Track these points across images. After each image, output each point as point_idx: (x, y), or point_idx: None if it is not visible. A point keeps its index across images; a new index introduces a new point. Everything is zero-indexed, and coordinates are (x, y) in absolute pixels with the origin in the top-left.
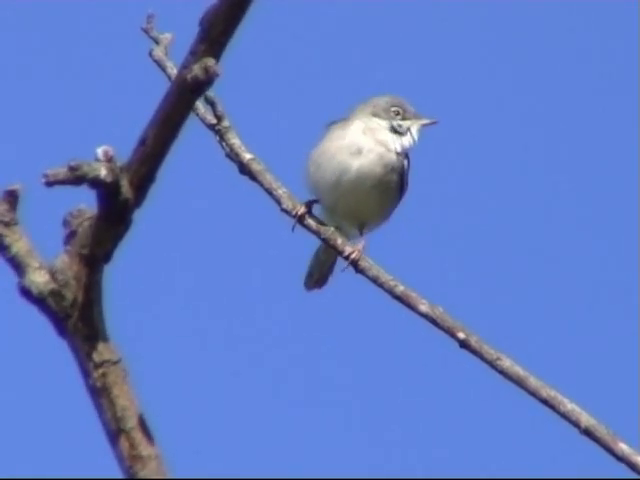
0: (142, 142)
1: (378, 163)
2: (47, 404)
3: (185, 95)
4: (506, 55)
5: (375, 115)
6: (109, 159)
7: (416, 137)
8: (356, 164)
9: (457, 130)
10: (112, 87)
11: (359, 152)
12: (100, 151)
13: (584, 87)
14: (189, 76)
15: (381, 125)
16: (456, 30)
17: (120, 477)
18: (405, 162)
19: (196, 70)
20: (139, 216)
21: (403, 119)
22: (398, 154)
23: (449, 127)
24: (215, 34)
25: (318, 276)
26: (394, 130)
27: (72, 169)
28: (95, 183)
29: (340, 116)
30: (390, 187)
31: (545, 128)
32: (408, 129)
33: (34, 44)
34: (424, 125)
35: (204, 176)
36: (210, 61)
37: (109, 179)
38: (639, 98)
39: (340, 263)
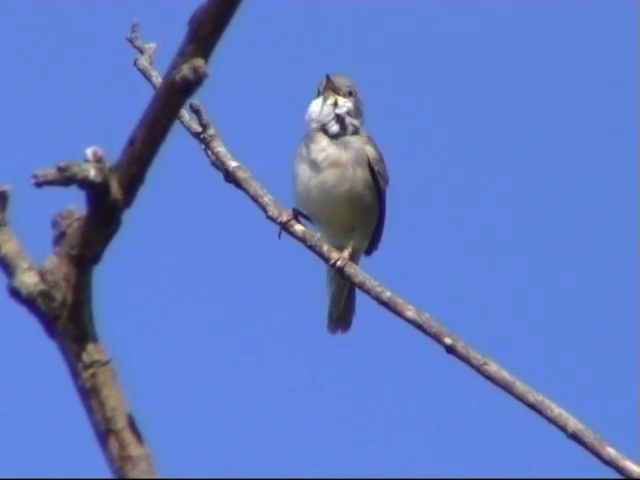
0: (131, 143)
1: (333, 170)
2: (36, 405)
3: (174, 96)
4: (505, 55)
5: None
6: (98, 160)
7: (321, 112)
8: (315, 177)
9: (448, 133)
10: (100, 89)
11: (311, 160)
12: (89, 152)
13: (583, 87)
14: (178, 76)
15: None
16: (455, 30)
17: (110, 478)
18: (370, 153)
19: (185, 70)
20: (128, 217)
21: (316, 97)
22: (346, 146)
23: (439, 129)
24: (204, 34)
25: (338, 315)
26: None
27: (61, 170)
28: (84, 184)
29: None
30: (357, 184)
31: (542, 130)
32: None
33: (23, 48)
34: (326, 95)
35: (190, 184)
36: (199, 61)
37: (98, 179)
38: (639, 98)
39: (360, 298)
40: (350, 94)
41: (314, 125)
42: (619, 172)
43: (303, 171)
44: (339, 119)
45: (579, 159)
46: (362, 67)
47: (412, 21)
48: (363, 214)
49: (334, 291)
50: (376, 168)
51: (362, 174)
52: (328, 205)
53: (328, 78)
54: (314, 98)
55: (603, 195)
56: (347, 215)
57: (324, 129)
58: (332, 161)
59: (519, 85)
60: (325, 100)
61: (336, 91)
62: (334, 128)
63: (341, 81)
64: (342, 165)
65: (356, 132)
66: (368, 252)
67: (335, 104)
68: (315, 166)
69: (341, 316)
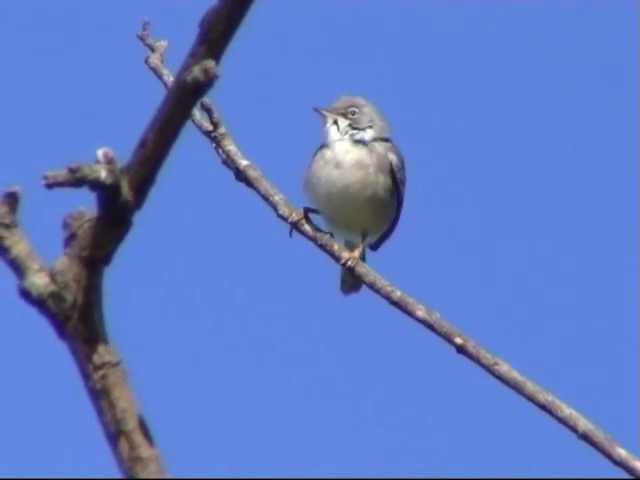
0: (142, 144)
1: (357, 173)
2: (47, 406)
3: (185, 97)
4: (505, 55)
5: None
6: (109, 161)
7: (333, 130)
8: (338, 179)
9: (455, 135)
10: (111, 88)
11: (339, 166)
12: (100, 153)
13: (584, 87)
14: (189, 78)
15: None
16: (454, 30)
17: (120, 478)
18: (392, 160)
19: (196, 72)
20: (139, 219)
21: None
22: (372, 151)
23: (446, 131)
24: (215, 35)
25: (352, 280)
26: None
27: (72, 171)
28: (95, 185)
29: None
30: (379, 189)
31: (541, 132)
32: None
33: (35, 49)
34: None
35: (200, 183)
36: (210, 63)
37: (109, 181)
38: (639, 98)
39: (366, 294)
40: (353, 113)
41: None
42: (621, 171)
43: (326, 173)
44: (344, 134)
45: (584, 159)
46: (370, 66)
47: (416, 22)
48: (380, 218)
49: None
50: (398, 176)
51: (384, 180)
52: (348, 208)
53: (318, 112)
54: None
55: (609, 196)
56: (364, 218)
57: (340, 140)
58: (357, 161)
59: (519, 85)
60: (326, 122)
61: (335, 112)
62: (354, 138)
63: (339, 105)
64: (365, 167)
65: (375, 140)
66: (374, 247)
67: (335, 123)
68: (340, 167)
69: (355, 282)
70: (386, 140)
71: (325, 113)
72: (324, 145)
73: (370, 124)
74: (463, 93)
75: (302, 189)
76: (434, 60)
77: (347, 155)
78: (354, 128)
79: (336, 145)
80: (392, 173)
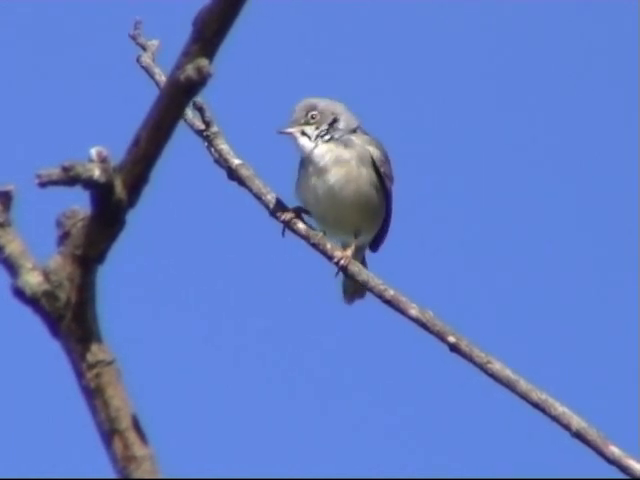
0: (135, 143)
1: (339, 170)
2: (40, 405)
3: (178, 95)
4: (505, 55)
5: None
6: (103, 160)
7: (304, 141)
8: (322, 183)
9: (446, 133)
10: (103, 87)
11: (321, 172)
12: (94, 152)
13: (583, 87)
14: (182, 76)
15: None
16: (454, 30)
17: (114, 478)
18: (373, 153)
19: (189, 70)
20: (132, 217)
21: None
22: (356, 149)
23: (440, 129)
24: (208, 34)
25: (353, 290)
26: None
27: (65, 169)
28: (89, 184)
29: None
30: (365, 189)
31: (537, 131)
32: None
33: (27, 48)
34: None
35: (192, 181)
36: (203, 61)
37: (103, 180)
38: (639, 98)
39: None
40: (312, 117)
41: (306, 154)
42: (619, 172)
43: (308, 175)
44: (317, 138)
45: (581, 159)
46: (363, 65)
47: (412, 21)
48: (370, 215)
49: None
50: (382, 169)
51: (367, 174)
52: (335, 207)
53: (281, 133)
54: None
55: (605, 195)
56: (354, 216)
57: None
58: (336, 156)
59: (518, 85)
60: (296, 138)
61: (298, 125)
62: (325, 140)
63: (297, 115)
64: (346, 161)
65: (352, 133)
66: (373, 248)
67: (304, 134)
68: (321, 170)
69: (357, 290)
70: (356, 130)
71: (289, 130)
72: (304, 157)
73: (333, 118)
74: (461, 91)
75: (295, 191)
76: (429, 57)
77: (325, 157)
78: (321, 130)
79: (314, 152)
80: (375, 166)
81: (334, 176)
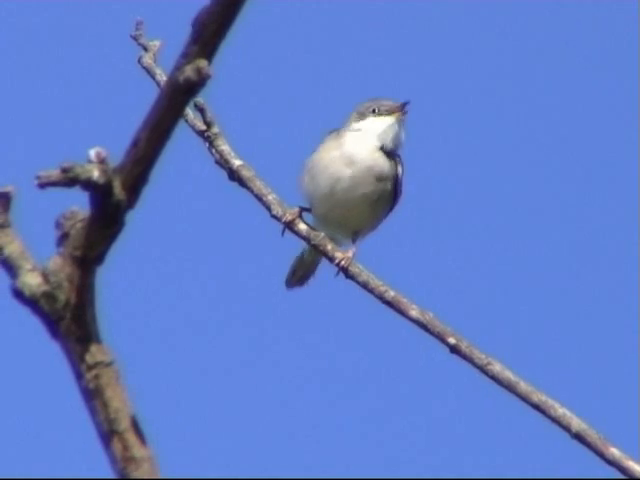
0: (134, 144)
1: (370, 173)
2: (40, 406)
3: (177, 96)
4: (505, 55)
5: (360, 120)
6: (102, 161)
7: (390, 131)
8: (349, 175)
9: (449, 132)
10: (104, 87)
11: (352, 163)
12: (93, 153)
13: (584, 87)
14: (181, 77)
15: (364, 129)
16: (452, 30)
17: (113, 479)
18: (399, 168)
19: (188, 71)
20: (131, 218)
21: (378, 115)
22: (390, 161)
23: (440, 128)
24: (207, 35)
25: (301, 274)
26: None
27: (64, 171)
28: (88, 185)
29: (334, 123)
30: (383, 196)
31: (534, 130)
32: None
33: (27, 49)
34: (398, 117)
35: (193, 182)
36: (202, 62)
37: (102, 181)
38: (639, 98)
39: (359, 294)
40: (406, 112)
41: (376, 143)
42: (620, 171)
43: (336, 169)
44: (397, 139)
45: (580, 158)
46: (361, 70)
47: (411, 21)
48: (374, 222)
49: (309, 256)
50: (400, 188)
51: (390, 189)
52: (347, 208)
53: (404, 104)
54: (372, 115)
55: (605, 195)
56: (360, 222)
57: (378, 143)
58: (371, 165)
59: (517, 84)
60: (398, 121)
61: (403, 113)
62: (391, 145)
63: (394, 102)
64: (379, 174)
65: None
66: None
67: (401, 123)
68: (351, 166)
69: (303, 276)
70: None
71: (398, 114)
72: (339, 137)
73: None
74: (456, 88)
75: (301, 173)
76: (429, 56)
77: (362, 155)
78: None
79: (357, 141)
80: (396, 183)
81: (361, 181)
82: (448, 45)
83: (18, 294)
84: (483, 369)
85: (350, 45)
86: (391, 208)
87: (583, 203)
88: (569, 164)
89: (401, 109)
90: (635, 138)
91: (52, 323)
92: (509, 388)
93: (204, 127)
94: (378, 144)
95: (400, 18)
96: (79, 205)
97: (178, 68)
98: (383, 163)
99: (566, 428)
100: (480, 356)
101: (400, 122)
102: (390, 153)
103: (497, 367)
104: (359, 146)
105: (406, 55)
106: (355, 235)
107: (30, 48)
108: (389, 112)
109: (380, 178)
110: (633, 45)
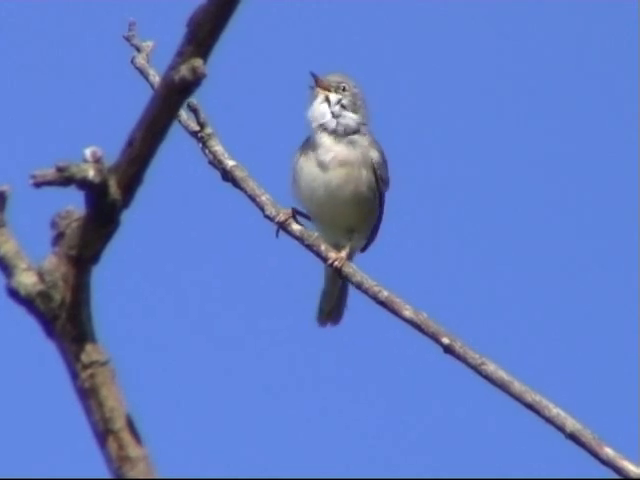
0: (130, 143)
1: (341, 170)
2: (35, 405)
3: (172, 96)
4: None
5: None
6: (97, 160)
7: (319, 111)
8: (318, 169)
9: (443, 133)
10: (98, 88)
11: (316, 156)
12: (88, 152)
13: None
14: (176, 77)
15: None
16: (454, 29)
17: (109, 478)
18: (374, 157)
19: (183, 71)
20: (127, 218)
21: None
22: (350, 142)
23: (435, 129)
24: (202, 35)
25: (329, 309)
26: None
27: (60, 170)
28: (83, 184)
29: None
30: (362, 183)
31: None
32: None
33: (22, 49)
34: (317, 92)
35: (187, 183)
36: (197, 62)
37: (97, 180)
38: (639, 98)
39: (353, 294)
40: (344, 89)
41: (314, 125)
42: (619, 171)
43: (308, 171)
44: (334, 114)
45: (579, 158)
46: (359, 67)
47: (410, 20)
48: (364, 216)
49: (328, 285)
50: (379, 172)
51: (367, 176)
52: (331, 205)
53: (314, 76)
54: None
55: (602, 195)
56: (349, 216)
57: (325, 128)
58: (340, 159)
59: (516, 84)
60: (316, 98)
61: (326, 88)
62: (332, 124)
63: (331, 78)
64: (350, 163)
65: (359, 129)
66: (362, 249)
67: (327, 100)
68: (323, 166)
69: (333, 310)
70: (361, 128)
71: (317, 89)
72: (309, 139)
73: (357, 108)
74: (454, 87)
75: (289, 184)
76: (429, 56)
77: (330, 152)
78: (342, 106)
79: (321, 141)
80: (373, 170)
81: (336, 175)
82: (448, 45)
83: (13, 293)
84: (477, 369)
85: (345, 46)
86: (381, 198)
87: (580, 202)
88: (567, 164)
89: (316, 84)
90: (635, 138)
91: (47, 322)
92: (503, 388)
93: (197, 128)
94: (322, 128)
95: (398, 18)
96: (74, 204)
97: (173, 67)
98: (342, 149)
99: (560, 428)
100: (474, 356)
101: (323, 97)
102: (346, 133)
103: (491, 367)
104: (315, 137)
105: (405, 55)
106: (351, 233)
107: (24, 48)
108: (314, 93)
109: (344, 163)
110: (633, 45)
